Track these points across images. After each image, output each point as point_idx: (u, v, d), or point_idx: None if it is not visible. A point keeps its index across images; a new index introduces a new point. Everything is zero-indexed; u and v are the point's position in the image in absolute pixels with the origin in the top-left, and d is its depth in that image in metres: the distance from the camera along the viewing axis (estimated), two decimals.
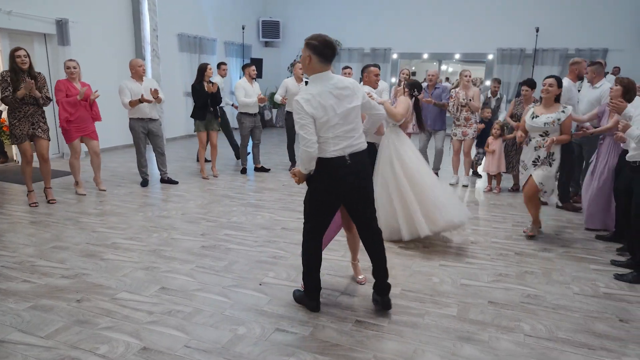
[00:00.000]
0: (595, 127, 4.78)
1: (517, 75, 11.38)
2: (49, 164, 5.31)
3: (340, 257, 3.86)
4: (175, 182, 6.43)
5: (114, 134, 8.60)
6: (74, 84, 5.49)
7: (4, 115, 6.22)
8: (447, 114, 6.61)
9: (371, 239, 2.97)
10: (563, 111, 4.10)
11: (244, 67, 6.96)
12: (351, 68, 6.86)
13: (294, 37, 13.09)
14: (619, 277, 3.60)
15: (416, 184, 4.08)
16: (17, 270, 3.55)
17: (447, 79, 14.32)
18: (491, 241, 4.39)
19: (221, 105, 7.44)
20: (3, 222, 4.68)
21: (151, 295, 3.20)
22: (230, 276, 3.53)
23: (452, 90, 6.49)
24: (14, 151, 7.59)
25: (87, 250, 4.00)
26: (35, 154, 5.23)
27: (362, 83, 4.61)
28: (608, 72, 8.64)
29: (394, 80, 12.37)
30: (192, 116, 6.63)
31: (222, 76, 7.55)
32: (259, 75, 11.44)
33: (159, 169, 6.44)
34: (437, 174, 6.78)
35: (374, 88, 4.54)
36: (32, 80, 4.86)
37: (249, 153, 7.45)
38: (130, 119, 5.98)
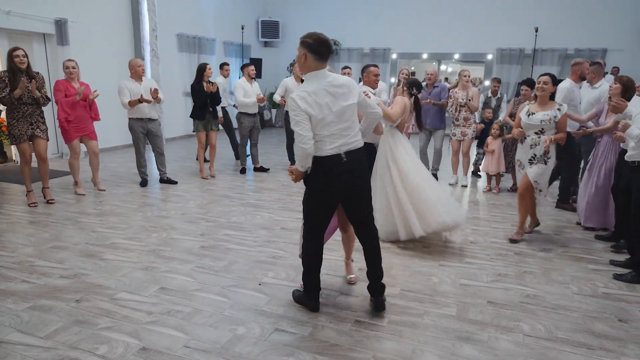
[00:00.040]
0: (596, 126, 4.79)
1: (516, 75, 11.39)
2: (47, 164, 5.31)
3: (339, 257, 3.86)
4: (175, 182, 6.43)
5: (113, 134, 8.60)
6: (72, 84, 5.49)
7: (3, 115, 6.22)
8: (447, 114, 6.61)
9: (368, 237, 2.97)
10: (559, 109, 4.09)
11: (243, 67, 6.97)
12: (350, 68, 6.86)
13: (293, 37, 13.08)
14: (618, 277, 3.60)
15: (409, 185, 4.11)
16: (16, 271, 3.55)
17: (447, 79, 14.32)
18: (490, 241, 4.39)
19: (224, 105, 7.45)
20: (2, 222, 4.68)
21: (150, 296, 3.19)
22: (230, 276, 3.53)
23: (451, 90, 6.49)
24: (13, 151, 7.59)
25: (86, 250, 3.99)
26: (33, 154, 5.23)
27: (361, 83, 4.61)
28: (607, 72, 8.64)
29: (393, 80, 12.37)
30: (191, 116, 6.62)
31: (225, 76, 7.55)
32: (259, 75, 11.45)
33: (159, 169, 6.43)
34: (436, 174, 6.79)
35: (374, 88, 4.53)
36: (26, 80, 4.85)
37: (249, 155, 7.46)
38: (129, 119, 5.98)
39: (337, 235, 3.57)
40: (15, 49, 4.89)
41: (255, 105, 6.80)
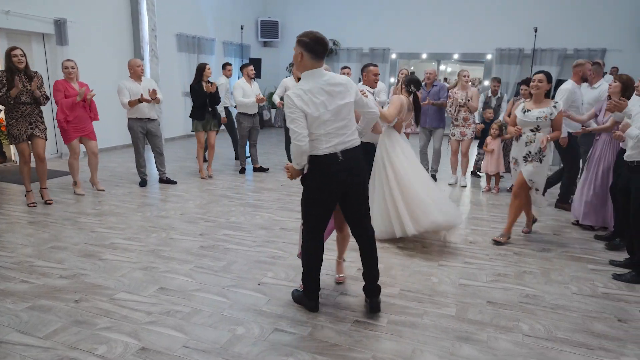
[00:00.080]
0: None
1: (515, 75, 11.40)
2: (45, 164, 5.30)
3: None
4: (174, 182, 6.42)
5: (112, 134, 8.60)
6: (72, 84, 5.49)
7: (2, 115, 6.21)
8: (446, 114, 6.61)
9: (365, 237, 2.96)
10: (555, 106, 4.06)
11: (242, 67, 6.96)
12: (350, 68, 6.87)
13: (293, 37, 12.89)
14: (617, 277, 3.60)
15: (403, 185, 4.12)
16: (16, 271, 3.55)
17: (446, 79, 14.33)
18: (490, 241, 4.39)
19: (226, 105, 7.44)
20: (1, 222, 4.67)
21: (150, 296, 3.19)
22: (229, 276, 3.53)
23: (451, 90, 6.49)
24: (12, 151, 7.58)
25: (85, 251, 3.99)
26: (32, 154, 5.22)
27: (361, 83, 4.60)
28: (606, 73, 8.65)
29: (392, 80, 12.38)
30: (190, 116, 6.62)
31: (228, 76, 7.54)
32: (258, 75, 11.44)
33: (158, 169, 6.43)
34: (435, 175, 6.80)
35: (373, 87, 4.53)
36: (22, 79, 4.84)
37: (248, 157, 7.46)
38: (128, 118, 5.98)
39: (335, 235, 3.56)
40: (13, 48, 4.88)
41: (254, 105, 6.79)
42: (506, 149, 6.29)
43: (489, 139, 6.27)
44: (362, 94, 3.02)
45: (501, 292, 3.34)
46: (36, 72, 5.11)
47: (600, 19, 10.66)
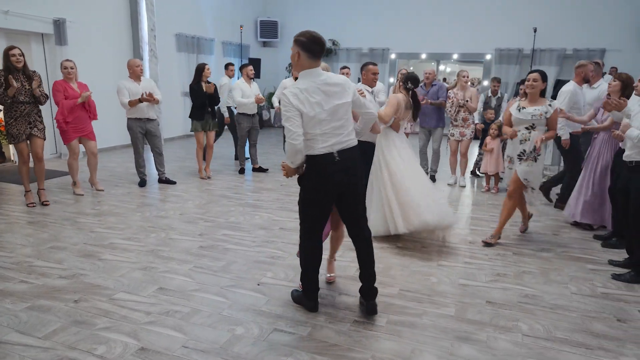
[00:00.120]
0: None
1: (514, 75, 11.40)
2: (43, 164, 5.28)
3: (338, 257, 3.84)
4: (173, 182, 6.42)
5: (111, 134, 8.60)
6: (71, 84, 5.48)
7: (0, 115, 6.21)
8: (446, 114, 6.61)
9: (361, 237, 2.95)
10: (550, 105, 4.05)
11: (241, 68, 6.96)
12: (349, 68, 6.86)
13: (292, 37, 12.97)
14: (616, 276, 3.61)
15: (396, 185, 4.14)
16: (15, 271, 3.54)
17: (445, 80, 14.33)
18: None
19: (229, 105, 7.44)
20: (0, 223, 4.67)
21: (149, 296, 3.19)
22: (228, 276, 3.52)
23: (450, 91, 6.49)
24: (12, 151, 7.58)
25: (84, 251, 3.99)
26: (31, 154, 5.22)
27: (361, 82, 4.60)
28: (605, 73, 8.66)
29: (392, 80, 12.38)
30: (190, 116, 6.62)
31: (230, 77, 7.54)
32: (257, 75, 11.44)
33: (157, 169, 6.43)
34: (434, 175, 6.80)
35: (372, 87, 4.52)
36: (19, 78, 4.83)
37: (248, 158, 7.45)
38: (128, 119, 5.97)
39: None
40: (11, 47, 4.87)
41: (253, 105, 6.79)
42: (505, 149, 6.29)
43: (488, 138, 6.28)
44: (361, 94, 3.01)
45: (500, 292, 3.34)
46: (34, 72, 5.10)
47: (600, 19, 10.66)
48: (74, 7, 7.86)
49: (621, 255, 4.00)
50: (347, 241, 3.42)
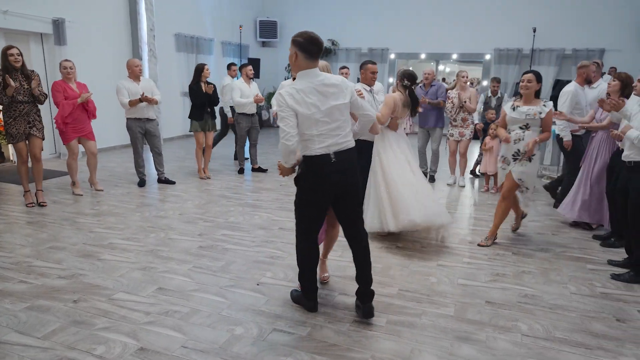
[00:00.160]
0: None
1: (514, 75, 11.41)
2: (41, 164, 5.27)
3: (337, 257, 3.86)
4: (173, 182, 6.42)
5: (111, 134, 8.60)
6: (70, 84, 5.48)
7: (0, 115, 6.20)
8: (445, 114, 6.60)
9: (358, 239, 2.93)
10: (544, 105, 4.03)
11: (240, 68, 6.96)
12: (348, 68, 6.84)
13: (291, 37, 13.06)
14: (615, 276, 3.61)
15: (389, 183, 4.16)
16: (14, 271, 3.54)
17: (444, 80, 14.33)
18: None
19: (232, 105, 7.44)
20: (0, 223, 4.67)
21: (148, 296, 3.19)
22: (228, 276, 3.52)
23: (449, 91, 6.48)
24: (10, 151, 7.57)
25: (84, 251, 3.99)
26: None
27: (359, 81, 4.60)
28: (605, 73, 8.67)
29: (391, 80, 12.38)
30: (189, 117, 6.61)
31: (232, 77, 7.53)
32: (257, 75, 11.44)
33: (157, 169, 6.43)
34: (433, 176, 6.80)
35: (370, 85, 4.51)
36: (18, 77, 4.83)
37: (247, 158, 7.44)
38: (127, 119, 5.97)
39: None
40: (10, 47, 4.87)
41: (252, 105, 6.79)
42: None
43: (487, 138, 6.28)
44: (359, 94, 3.00)
45: (500, 292, 3.34)
46: (33, 71, 5.09)
47: (599, 19, 10.67)
48: (73, 7, 7.85)
49: (620, 255, 4.00)
50: (346, 241, 3.43)
